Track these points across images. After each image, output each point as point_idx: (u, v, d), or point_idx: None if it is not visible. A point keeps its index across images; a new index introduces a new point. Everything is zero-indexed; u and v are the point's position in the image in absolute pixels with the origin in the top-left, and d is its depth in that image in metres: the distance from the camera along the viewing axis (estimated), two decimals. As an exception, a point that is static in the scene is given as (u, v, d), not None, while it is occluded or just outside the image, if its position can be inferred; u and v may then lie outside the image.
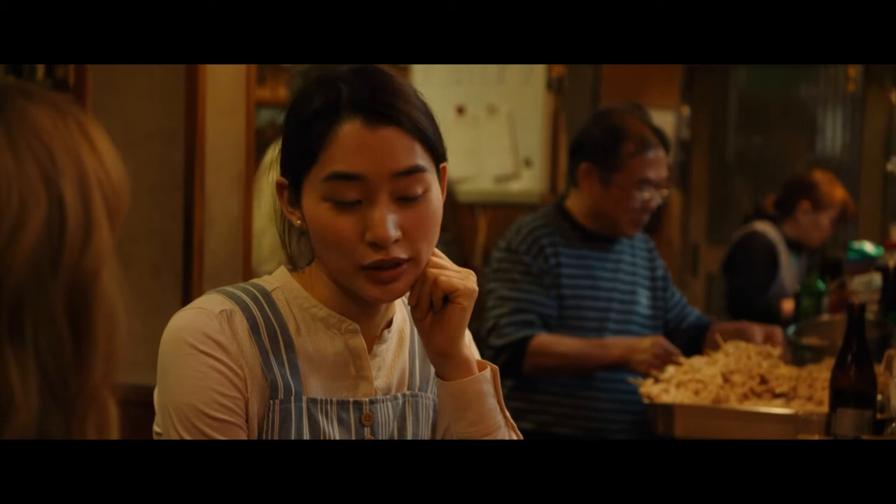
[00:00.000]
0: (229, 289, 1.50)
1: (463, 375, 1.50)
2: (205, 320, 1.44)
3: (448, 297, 1.48)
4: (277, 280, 1.52)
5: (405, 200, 1.44)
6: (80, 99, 2.83)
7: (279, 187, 1.49)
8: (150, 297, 2.87)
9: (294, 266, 1.54)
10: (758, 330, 3.04)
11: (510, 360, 2.93)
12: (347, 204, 1.42)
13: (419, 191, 1.44)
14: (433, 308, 1.48)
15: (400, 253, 1.43)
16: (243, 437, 1.45)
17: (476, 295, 1.50)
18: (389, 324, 1.55)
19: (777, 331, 3.07)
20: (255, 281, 1.53)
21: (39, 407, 0.85)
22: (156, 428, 1.49)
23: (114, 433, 0.91)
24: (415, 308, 1.49)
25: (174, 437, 1.43)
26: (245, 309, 1.47)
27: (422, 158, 1.44)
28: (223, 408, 1.43)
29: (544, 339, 2.93)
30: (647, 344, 2.89)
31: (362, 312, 1.51)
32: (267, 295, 1.50)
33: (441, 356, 1.50)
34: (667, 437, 2.60)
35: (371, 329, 1.53)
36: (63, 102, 0.92)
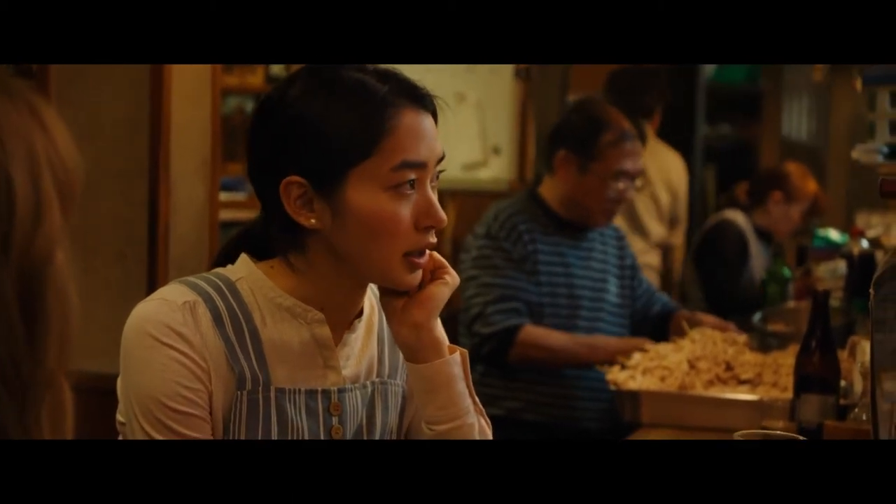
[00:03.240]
0: (192, 279, 1.49)
1: (433, 355, 1.50)
2: (167, 312, 1.43)
3: (434, 273, 1.51)
4: (241, 270, 1.51)
5: (431, 184, 1.49)
6: (44, 87, 2.81)
7: (287, 186, 1.45)
8: (115, 285, 2.86)
9: (259, 257, 1.53)
10: (710, 321, 3.08)
11: (497, 348, 2.93)
12: (407, 191, 1.45)
13: (438, 174, 1.50)
14: (421, 283, 1.50)
15: (434, 237, 1.49)
16: (207, 429, 1.44)
17: (458, 280, 1.53)
18: (360, 313, 1.55)
19: (730, 326, 3.10)
20: (218, 270, 1.52)
21: None
22: (119, 417, 1.48)
23: (69, 419, 0.90)
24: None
25: (137, 428, 1.43)
26: (208, 300, 1.46)
27: None
28: (186, 400, 1.43)
29: (533, 331, 2.94)
30: (634, 347, 2.90)
31: (334, 303, 1.51)
32: (231, 285, 1.49)
33: (414, 330, 1.49)
34: (634, 424, 2.61)
35: (342, 319, 1.53)
36: (14, 86, 0.91)
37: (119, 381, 1.47)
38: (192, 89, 2.94)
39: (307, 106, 1.45)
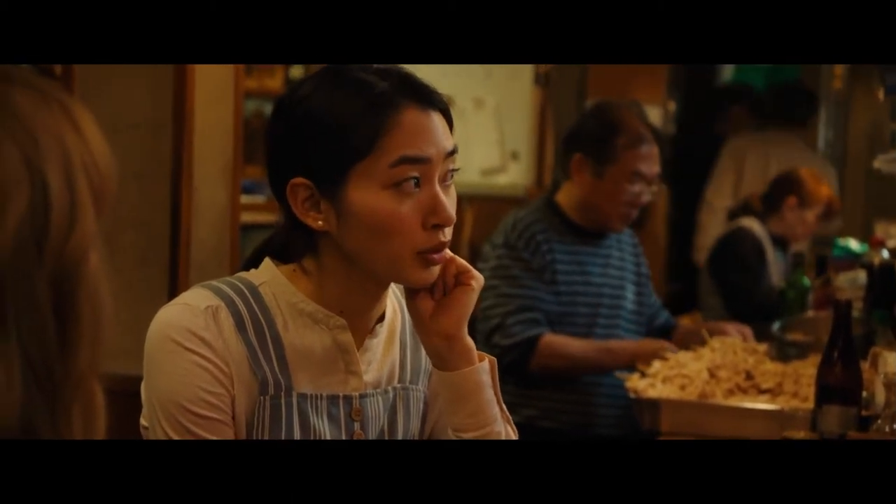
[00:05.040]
0: (215, 283, 1.49)
1: (464, 363, 1.49)
2: (190, 317, 1.44)
3: (458, 278, 1.48)
4: (265, 274, 1.51)
5: (444, 183, 1.46)
6: (68, 88, 2.81)
7: (294, 188, 1.45)
8: (136, 287, 2.86)
9: (282, 261, 1.53)
10: (731, 328, 3.07)
11: (518, 359, 2.92)
12: (411, 189, 1.43)
13: (452, 173, 1.47)
14: (445, 289, 1.48)
15: (449, 235, 1.46)
16: (229, 433, 1.44)
17: (483, 282, 1.51)
18: (382, 318, 1.55)
19: (747, 330, 3.09)
20: (242, 275, 1.52)
21: (23, 395, 0.84)
22: (143, 421, 1.48)
23: (101, 421, 0.90)
24: (430, 290, 1.48)
25: (160, 432, 1.43)
26: (231, 304, 1.46)
27: None
28: (208, 405, 1.43)
29: (552, 340, 2.93)
30: (653, 349, 2.90)
31: (353, 306, 1.50)
32: (254, 289, 1.48)
33: (445, 340, 1.48)
34: (653, 432, 2.60)
35: (363, 324, 1.52)
36: (47, 86, 0.91)
37: (143, 386, 1.47)
38: (214, 92, 2.95)
39: (310, 107, 1.44)
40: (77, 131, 0.90)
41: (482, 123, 5.45)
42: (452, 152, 1.46)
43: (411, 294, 1.50)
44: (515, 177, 5.51)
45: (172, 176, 2.87)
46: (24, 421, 0.84)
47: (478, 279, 1.49)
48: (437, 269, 1.47)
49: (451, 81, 5.31)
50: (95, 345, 0.88)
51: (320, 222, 1.45)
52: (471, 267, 1.50)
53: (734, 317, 4.12)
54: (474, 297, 1.49)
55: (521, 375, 2.95)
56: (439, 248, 1.45)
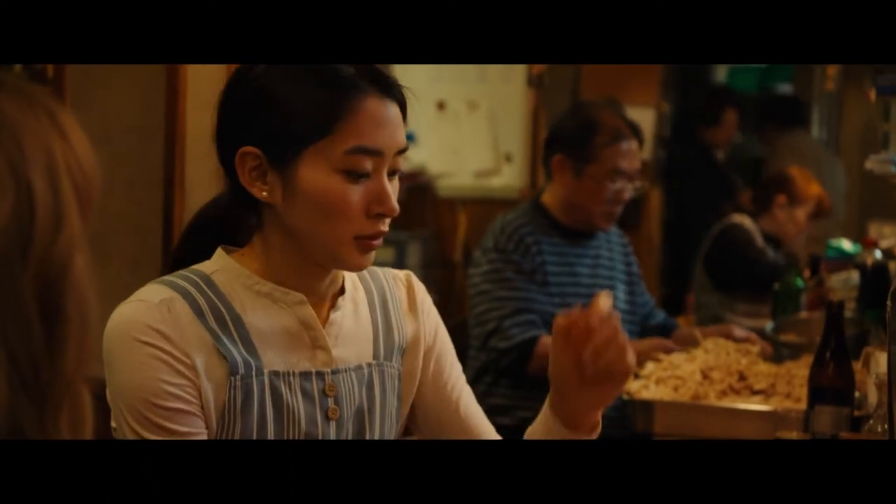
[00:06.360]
0: (168, 278, 1.49)
1: (583, 433, 1.56)
2: (145, 311, 1.44)
3: (612, 366, 1.51)
4: (216, 263, 1.51)
5: (391, 176, 1.48)
6: (59, 93, 2.81)
7: (243, 156, 1.46)
8: (129, 292, 2.85)
9: (233, 244, 1.53)
10: (738, 330, 3.06)
11: (516, 361, 2.92)
12: (361, 177, 1.45)
13: (400, 168, 1.50)
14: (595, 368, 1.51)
15: (387, 225, 1.49)
16: (198, 422, 1.44)
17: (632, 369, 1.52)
18: (342, 291, 1.55)
19: (754, 336, 3.09)
20: (194, 267, 1.52)
21: (9, 398, 0.84)
22: (113, 424, 1.48)
23: (88, 424, 0.90)
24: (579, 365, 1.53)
25: (127, 430, 1.43)
26: (186, 295, 1.46)
27: None
28: (172, 396, 1.43)
29: (550, 342, 2.93)
30: (646, 348, 2.90)
31: (308, 283, 1.51)
32: (207, 279, 1.49)
33: (585, 414, 1.55)
34: (646, 434, 2.60)
35: (320, 298, 1.53)
36: (31, 90, 0.91)
37: (107, 388, 1.47)
38: (206, 96, 2.94)
39: (272, 80, 1.47)
40: (62, 136, 0.90)
41: (476, 126, 5.46)
42: (404, 150, 1.49)
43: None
44: (509, 179, 5.51)
45: (165, 181, 2.87)
46: (10, 424, 0.84)
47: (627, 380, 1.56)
48: (372, 256, 1.50)
49: (444, 84, 5.31)
50: (82, 347, 0.88)
51: (265, 193, 1.46)
52: (632, 366, 1.51)
53: (731, 296, 4.20)
54: (618, 392, 1.56)
55: (518, 378, 2.95)
56: (378, 235, 1.48)
